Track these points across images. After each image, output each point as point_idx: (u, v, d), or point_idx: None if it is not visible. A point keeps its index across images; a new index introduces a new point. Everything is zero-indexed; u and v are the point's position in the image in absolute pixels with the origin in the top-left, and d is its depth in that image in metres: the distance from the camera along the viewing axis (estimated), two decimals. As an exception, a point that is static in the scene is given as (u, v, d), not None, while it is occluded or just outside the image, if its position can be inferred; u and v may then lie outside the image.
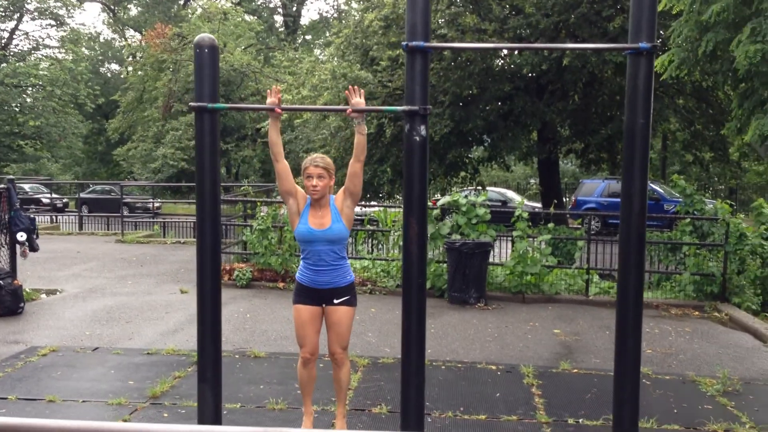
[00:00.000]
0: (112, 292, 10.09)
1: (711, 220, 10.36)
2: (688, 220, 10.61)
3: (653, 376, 6.44)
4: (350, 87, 4.01)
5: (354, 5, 21.61)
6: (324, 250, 4.35)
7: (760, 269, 9.92)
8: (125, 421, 5.10)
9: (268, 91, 4.00)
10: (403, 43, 3.65)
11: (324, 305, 4.51)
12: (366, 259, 11.38)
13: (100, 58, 49.07)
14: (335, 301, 4.46)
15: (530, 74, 17.59)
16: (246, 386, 5.91)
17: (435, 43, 4.03)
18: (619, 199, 3.76)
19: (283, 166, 4.28)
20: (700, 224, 10.54)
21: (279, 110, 3.97)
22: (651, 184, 21.70)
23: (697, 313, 9.47)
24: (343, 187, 4.40)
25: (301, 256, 4.50)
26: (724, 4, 8.67)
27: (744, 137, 11.36)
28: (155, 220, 21.72)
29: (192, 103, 3.87)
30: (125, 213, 21.10)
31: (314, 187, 4.27)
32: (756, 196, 24.87)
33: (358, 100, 3.99)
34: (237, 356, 6.80)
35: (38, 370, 6.25)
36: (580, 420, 5.34)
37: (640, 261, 3.66)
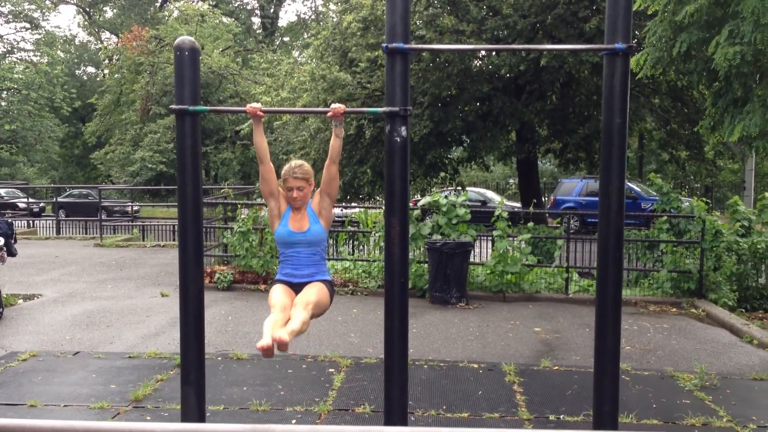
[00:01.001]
0: (92, 297, 10.02)
1: (687, 218, 10.49)
2: (665, 218, 10.74)
3: (632, 372, 6.52)
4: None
5: (332, 7, 21.59)
6: (303, 252, 4.30)
7: (735, 266, 10.07)
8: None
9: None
10: (383, 45, 3.69)
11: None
12: (347, 260, 11.40)
13: (76, 60, 48.55)
14: (310, 280, 4.33)
15: (508, 75, 17.69)
16: (229, 388, 5.91)
17: (414, 45, 4.07)
18: (597, 198, 3.82)
19: (267, 169, 4.24)
20: (677, 222, 10.67)
21: (260, 112, 3.98)
22: (628, 183, 21.91)
23: (674, 309, 9.60)
24: (319, 189, 4.35)
25: (280, 260, 4.41)
26: (698, 5, 8.79)
27: (718, 136, 11.50)
28: (134, 223, 21.57)
29: (173, 106, 3.87)
30: (103, 217, 20.92)
31: (294, 199, 4.25)
32: (731, 193, 25.19)
33: (339, 104, 3.99)
34: (219, 358, 6.79)
35: (19, 375, 6.20)
36: (561, 416, 5.40)
37: (619, 258, 3.72)
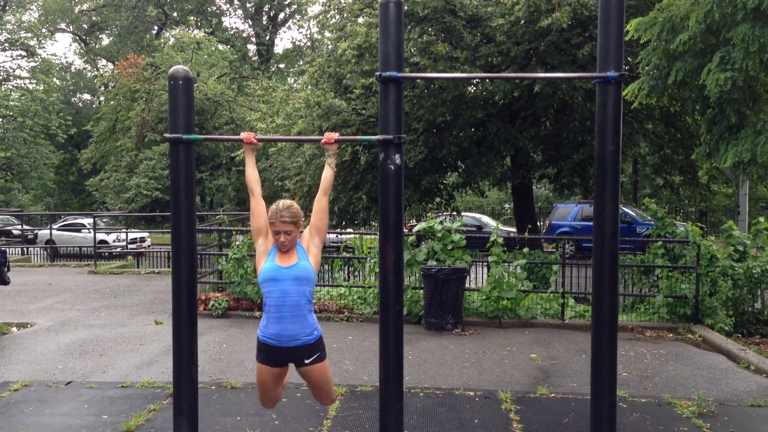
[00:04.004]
0: (85, 325, 9.94)
1: (682, 243, 10.50)
2: (660, 242, 10.74)
3: (629, 399, 6.48)
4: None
5: (327, 34, 21.75)
6: (290, 291, 4.00)
7: (731, 290, 10.06)
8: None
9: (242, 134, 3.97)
10: (377, 74, 3.71)
11: (294, 365, 4.15)
12: (342, 286, 11.36)
13: (72, 88, 48.73)
14: (306, 362, 4.09)
15: (502, 101, 17.77)
16: (222, 418, 5.85)
17: (408, 73, 4.09)
18: (592, 223, 3.82)
19: (258, 203, 4.09)
20: (672, 247, 10.67)
21: (255, 140, 3.97)
22: (623, 208, 21.97)
23: (671, 335, 9.56)
24: (309, 225, 4.19)
25: (264, 306, 4.11)
26: (691, 33, 8.89)
27: (713, 161, 11.55)
28: (129, 250, 21.48)
29: (167, 135, 3.88)
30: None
31: (282, 244, 4.03)
32: (725, 218, 25.26)
33: (332, 132, 3.97)
34: (213, 387, 6.73)
35: (10, 406, 6.13)
36: (559, 444, 5.35)
37: (614, 284, 3.71)
